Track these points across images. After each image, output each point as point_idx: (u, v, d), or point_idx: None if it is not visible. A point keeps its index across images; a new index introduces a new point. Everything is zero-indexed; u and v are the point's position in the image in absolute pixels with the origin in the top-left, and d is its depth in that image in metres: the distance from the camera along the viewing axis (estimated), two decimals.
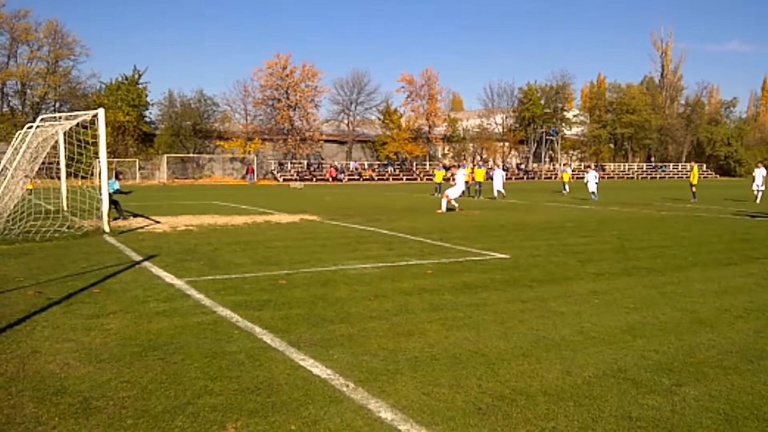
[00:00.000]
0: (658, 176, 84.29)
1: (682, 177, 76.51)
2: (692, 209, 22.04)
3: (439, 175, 34.07)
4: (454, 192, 21.11)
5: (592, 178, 29.74)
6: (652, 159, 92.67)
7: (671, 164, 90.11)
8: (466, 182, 32.97)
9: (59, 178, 20.06)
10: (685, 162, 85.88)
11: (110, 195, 15.67)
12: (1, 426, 3.61)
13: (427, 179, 65.10)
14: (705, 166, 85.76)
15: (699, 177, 30.97)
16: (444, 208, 20.79)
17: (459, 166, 27.20)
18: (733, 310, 6.51)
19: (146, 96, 64.84)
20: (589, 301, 6.92)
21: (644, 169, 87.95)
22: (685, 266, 9.41)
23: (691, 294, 7.33)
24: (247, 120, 69.55)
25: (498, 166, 37.79)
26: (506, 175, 49.20)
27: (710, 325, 5.94)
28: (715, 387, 4.28)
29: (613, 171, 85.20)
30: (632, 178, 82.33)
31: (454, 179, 22.99)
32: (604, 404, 3.97)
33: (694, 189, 28.50)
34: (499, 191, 29.78)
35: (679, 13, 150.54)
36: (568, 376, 4.48)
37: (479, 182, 31.57)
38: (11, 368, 4.61)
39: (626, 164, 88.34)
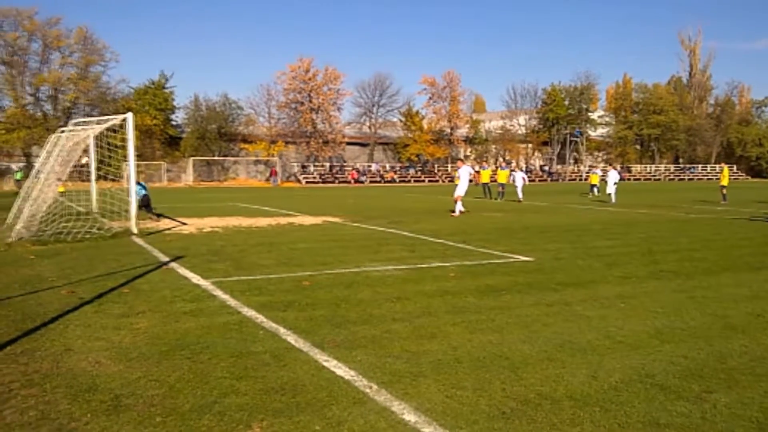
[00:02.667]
0: (686, 178, 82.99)
1: (711, 179, 75.21)
2: (722, 212, 21.66)
3: (485, 175, 33.63)
4: (460, 190, 20.32)
5: (612, 178, 28.77)
6: (680, 160, 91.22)
7: (700, 166, 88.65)
8: (486, 184, 32.89)
9: (90, 180, 20.44)
10: (715, 163, 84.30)
11: (141, 199, 16.05)
12: (36, 421, 3.71)
13: (449, 181, 64.88)
14: (735, 167, 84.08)
15: (729, 179, 30.38)
16: (458, 211, 20.03)
17: (462, 161, 26.04)
18: (765, 316, 6.39)
19: (173, 100, 65.76)
20: (615, 305, 6.85)
21: (672, 170, 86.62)
22: (715, 270, 9.25)
23: (722, 298, 7.21)
24: (270, 123, 70.11)
25: (520, 168, 36.95)
26: (529, 177, 49.02)
27: (742, 330, 5.84)
28: (748, 394, 4.21)
29: (639, 173, 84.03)
30: (659, 180, 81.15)
31: (475, 175, 22.09)
32: (631, 410, 3.93)
33: (724, 191, 27.96)
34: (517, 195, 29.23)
35: (708, 11, 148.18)
36: (595, 381, 4.44)
37: (502, 184, 31.36)
38: (45, 365, 4.72)
39: (653, 166, 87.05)
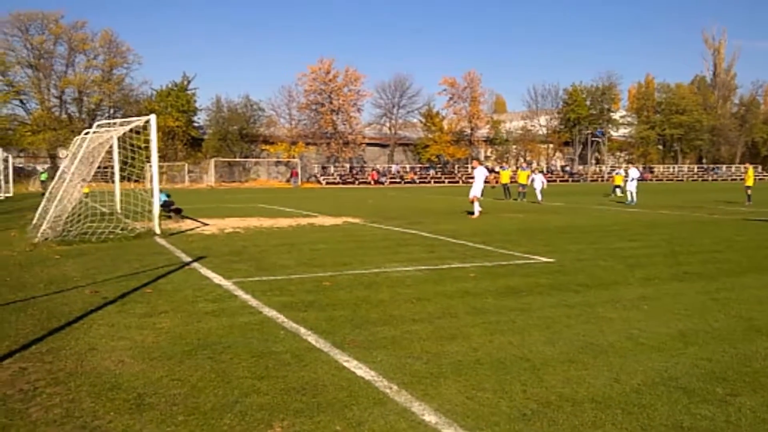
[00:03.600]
0: (710, 178, 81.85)
1: (735, 179, 74.02)
2: (747, 213, 21.33)
3: (505, 175, 33.48)
4: (476, 191, 20.02)
5: (632, 175, 28.06)
6: (704, 161, 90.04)
7: (724, 166, 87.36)
8: (506, 184, 32.73)
9: (114, 181, 20.72)
10: (739, 164, 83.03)
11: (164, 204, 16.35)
12: (61, 419, 3.76)
13: (469, 182, 64.63)
14: (761, 167, 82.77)
15: (755, 179, 29.88)
16: (476, 212, 19.80)
17: (479, 161, 25.60)
18: None
19: (195, 102, 66.55)
20: (638, 307, 6.78)
21: (695, 171, 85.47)
22: (739, 272, 9.11)
23: (747, 300, 7.10)
24: (291, 124, 70.60)
25: (540, 171, 36.60)
26: (549, 178, 48.68)
27: (767, 333, 5.74)
28: None
29: (662, 173, 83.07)
30: (681, 180, 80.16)
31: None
32: (654, 413, 3.89)
33: (749, 192, 27.52)
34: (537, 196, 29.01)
35: (733, 9, 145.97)
36: (617, 384, 4.40)
37: (523, 185, 31.20)
38: (70, 364, 4.79)
39: (676, 166, 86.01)
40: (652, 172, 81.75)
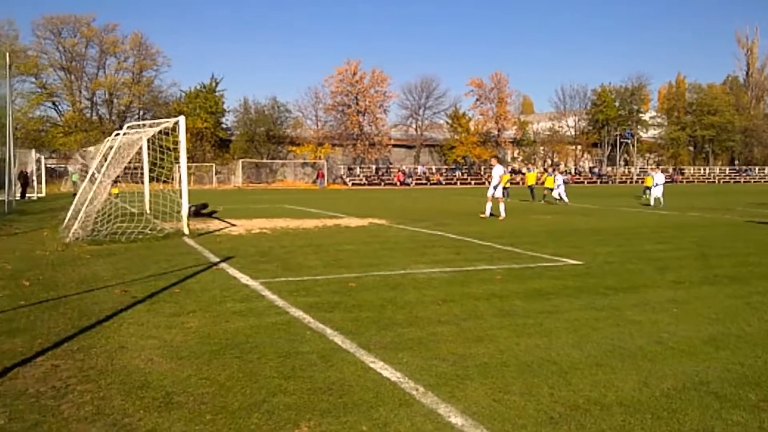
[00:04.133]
0: (742, 180, 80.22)
1: None
2: None
3: (531, 177, 33.19)
4: (492, 190, 19.82)
5: (658, 180, 26.76)
6: (736, 162, 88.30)
7: (757, 168, 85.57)
8: (531, 186, 32.49)
9: (143, 182, 21.03)
10: None
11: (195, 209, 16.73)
12: (92, 416, 3.83)
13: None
14: None
15: None
16: (487, 212, 19.84)
17: (498, 159, 25.08)
18: None
19: (223, 103, 67.32)
20: (667, 310, 6.67)
21: (727, 172, 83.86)
22: None
23: None
24: (318, 126, 70.95)
25: (561, 172, 36.22)
26: (577, 179, 48.11)
27: None
28: None
29: (692, 175, 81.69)
30: (713, 182, 78.71)
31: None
32: (684, 418, 3.82)
33: None
34: (560, 195, 28.34)
35: (766, 8, 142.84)
36: (646, 388, 4.34)
37: (549, 188, 30.97)
38: (101, 362, 4.87)
39: (707, 168, 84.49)
40: (682, 173, 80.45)
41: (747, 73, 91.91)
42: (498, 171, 20.24)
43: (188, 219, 14.79)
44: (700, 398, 4.14)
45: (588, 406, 3.99)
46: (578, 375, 4.60)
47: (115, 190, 17.86)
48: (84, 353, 5.10)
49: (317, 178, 64.77)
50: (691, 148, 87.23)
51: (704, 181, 79.20)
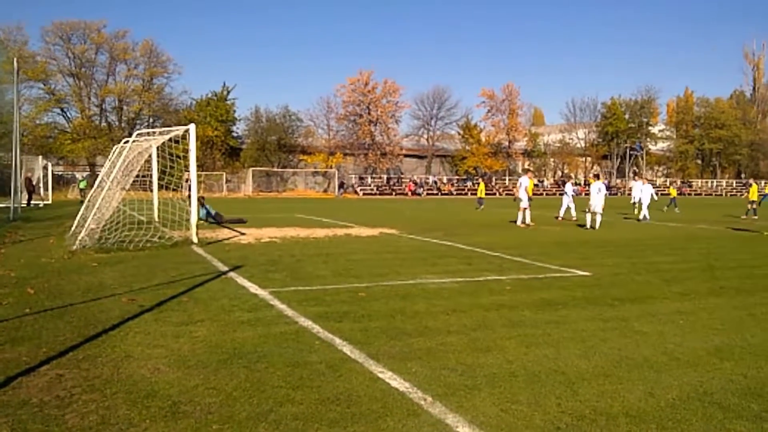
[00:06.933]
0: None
1: None
2: None
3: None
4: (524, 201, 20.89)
5: (647, 193, 25.76)
6: (743, 175, 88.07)
7: (763, 181, 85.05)
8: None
9: (152, 190, 21.10)
10: None
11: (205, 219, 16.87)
12: (96, 425, 3.81)
13: (506, 194, 64.25)
14: None
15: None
16: (528, 220, 20.78)
17: (526, 171, 25.44)
18: None
19: (234, 112, 67.29)
20: (673, 321, 6.66)
21: (734, 185, 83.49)
22: None
23: None
24: (329, 135, 71.14)
25: (572, 181, 36.02)
26: (586, 190, 47.72)
27: None
28: None
29: (700, 187, 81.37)
30: (720, 195, 78.32)
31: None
32: (688, 428, 3.83)
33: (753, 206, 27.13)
34: (568, 208, 26.13)
35: None
36: (651, 398, 4.34)
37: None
38: (106, 371, 4.85)
39: (714, 181, 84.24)
40: (690, 186, 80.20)
41: (754, 88, 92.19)
42: (522, 182, 21.23)
43: (220, 224, 14.87)
44: (704, 409, 4.15)
45: (594, 417, 4.00)
46: (585, 385, 4.60)
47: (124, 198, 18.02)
48: (89, 362, 5.07)
49: (339, 187, 64.79)
50: (699, 161, 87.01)
51: (711, 194, 78.85)
